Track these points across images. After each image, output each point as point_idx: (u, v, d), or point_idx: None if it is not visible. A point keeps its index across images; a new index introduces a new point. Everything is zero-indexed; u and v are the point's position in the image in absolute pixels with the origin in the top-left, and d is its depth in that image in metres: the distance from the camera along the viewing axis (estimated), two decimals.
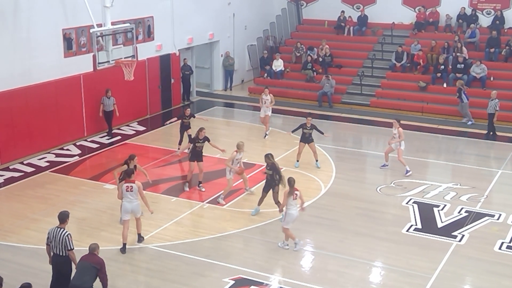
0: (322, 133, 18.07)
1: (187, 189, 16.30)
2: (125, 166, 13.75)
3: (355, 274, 12.24)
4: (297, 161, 17.96)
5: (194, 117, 19.24)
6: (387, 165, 17.94)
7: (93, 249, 10.45)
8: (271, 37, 29.18)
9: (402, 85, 24.86)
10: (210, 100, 25.98)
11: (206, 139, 16.10)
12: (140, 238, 13.27)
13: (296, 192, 12.78)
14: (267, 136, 20.77)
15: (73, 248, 10.66)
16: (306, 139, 17.80)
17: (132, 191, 12.63)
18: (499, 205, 15.57)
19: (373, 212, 15.05)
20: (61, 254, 10.65)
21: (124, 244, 12.87)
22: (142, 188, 12.83)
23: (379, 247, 13.38)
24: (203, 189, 16.21)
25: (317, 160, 17.92)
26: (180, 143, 19.10)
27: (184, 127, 18.93)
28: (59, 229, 10.67)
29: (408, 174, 17.34)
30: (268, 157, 14.56)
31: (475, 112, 22.62)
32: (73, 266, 10.62)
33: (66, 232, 10.64)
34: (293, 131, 18.85)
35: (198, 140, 16.03)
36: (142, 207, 13.07)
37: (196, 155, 16.15)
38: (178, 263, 12.55)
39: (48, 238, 10.76)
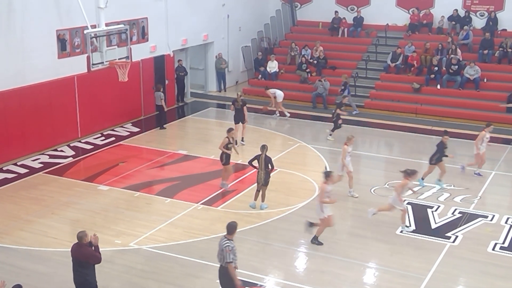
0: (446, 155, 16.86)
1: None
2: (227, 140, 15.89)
3: (350, 275, 12.26)
4: (440, 180, 16.94)
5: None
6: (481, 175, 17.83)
7: (80, 238, 9.86)
8: (265, 39, 29.21)
9: (396, 86, 24.91)
10: (204, 101, 25.94)
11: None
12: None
13: None
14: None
15: (231, 262, 10.18)
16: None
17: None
18: (493, 206, 15.63)
19: (367, 213, 15.05)
20: (221, 264, 10.32)
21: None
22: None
23: (373, 248, 13.40)
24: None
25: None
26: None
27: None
28: (223, 238, 10.34)
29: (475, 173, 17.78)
30: (261, 147, 15.07)
31: (469, 114, 22.64)
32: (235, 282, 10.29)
33: (227, 242, 10.22)
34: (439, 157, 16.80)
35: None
36: None
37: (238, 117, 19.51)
38: (172, 265, 12.55)
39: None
